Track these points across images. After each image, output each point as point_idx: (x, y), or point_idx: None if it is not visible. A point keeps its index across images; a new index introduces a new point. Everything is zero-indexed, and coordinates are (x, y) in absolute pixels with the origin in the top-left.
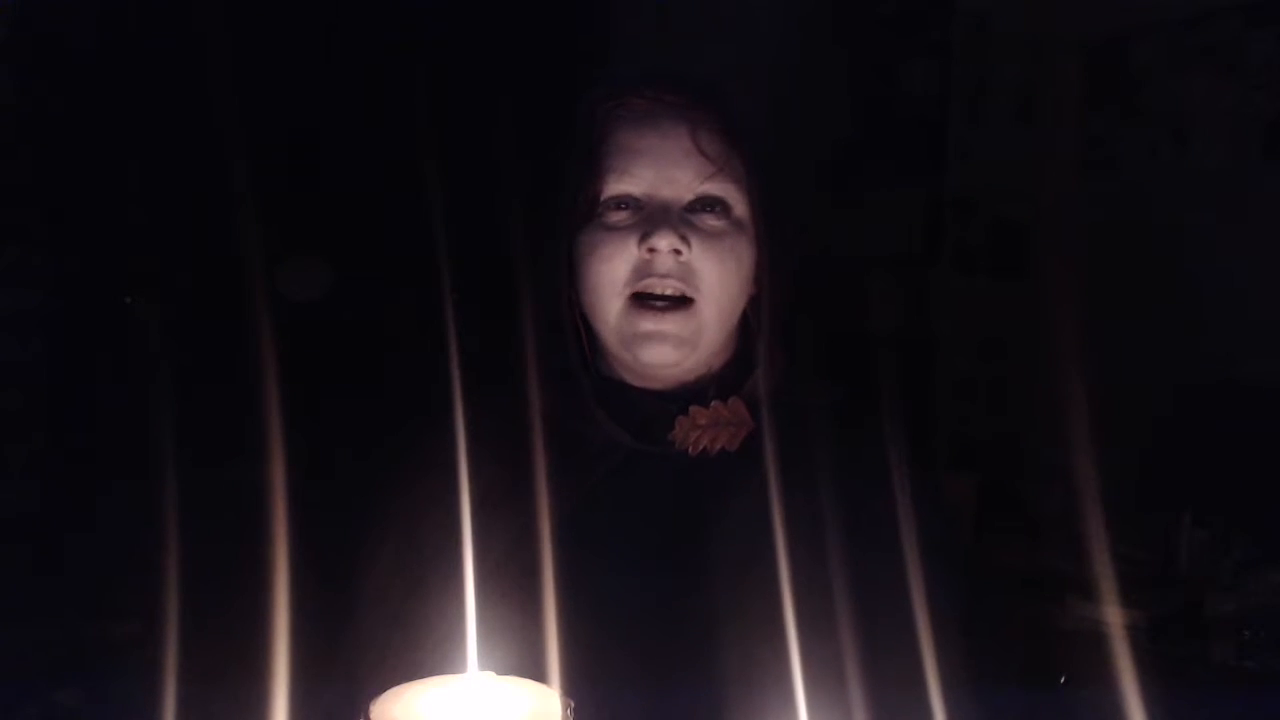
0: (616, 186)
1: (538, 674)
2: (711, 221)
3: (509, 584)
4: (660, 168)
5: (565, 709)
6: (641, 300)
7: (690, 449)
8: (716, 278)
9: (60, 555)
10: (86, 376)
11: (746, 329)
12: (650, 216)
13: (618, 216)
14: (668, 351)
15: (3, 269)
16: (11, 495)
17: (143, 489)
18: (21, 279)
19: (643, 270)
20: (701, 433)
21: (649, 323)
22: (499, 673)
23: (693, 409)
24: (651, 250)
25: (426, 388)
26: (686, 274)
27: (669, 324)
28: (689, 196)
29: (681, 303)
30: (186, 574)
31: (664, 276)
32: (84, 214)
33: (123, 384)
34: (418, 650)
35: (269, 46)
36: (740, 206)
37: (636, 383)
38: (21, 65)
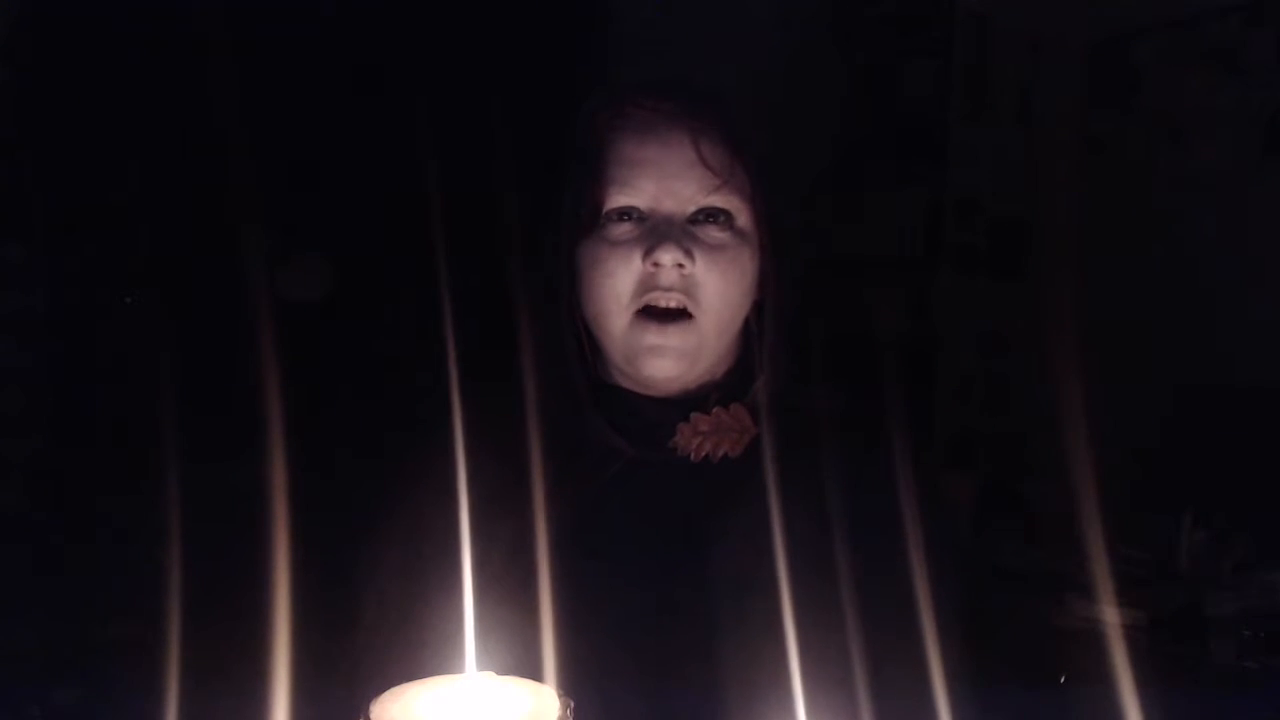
0: (619, 199)
1: (538, 677)
2: (715, 233)
3: (511, 589)
4: (662, 180)
5: (564, 709)
6: (646, 313)
7: (693, 455)
8: (719, 290)
9: (60, 555)
10: (87, 377)
11: (750, 335)
12: (654, 229)
13: (621, 229)
14: (668, 365)
15: (3, 269)
16: (11, 495)
17: (143, 489)
18: (21, 279)
19: (647, 284)
20: (704, 439)
21: (652, 336)
22: (499, 673)
23: (695, 415)
24: (655, 264)
25: (428, 392)
26: (690, 287)
27: (671, 337)
28: (692, 208)
29: (682, 315)
30: (187, 574)
31: (667, 290)
32: (84, 214)
33: (123, 384)
34: (420, 652)
35: (270, 47)
36: (743, 216)
37: (638, 390)
38: (21, 65)
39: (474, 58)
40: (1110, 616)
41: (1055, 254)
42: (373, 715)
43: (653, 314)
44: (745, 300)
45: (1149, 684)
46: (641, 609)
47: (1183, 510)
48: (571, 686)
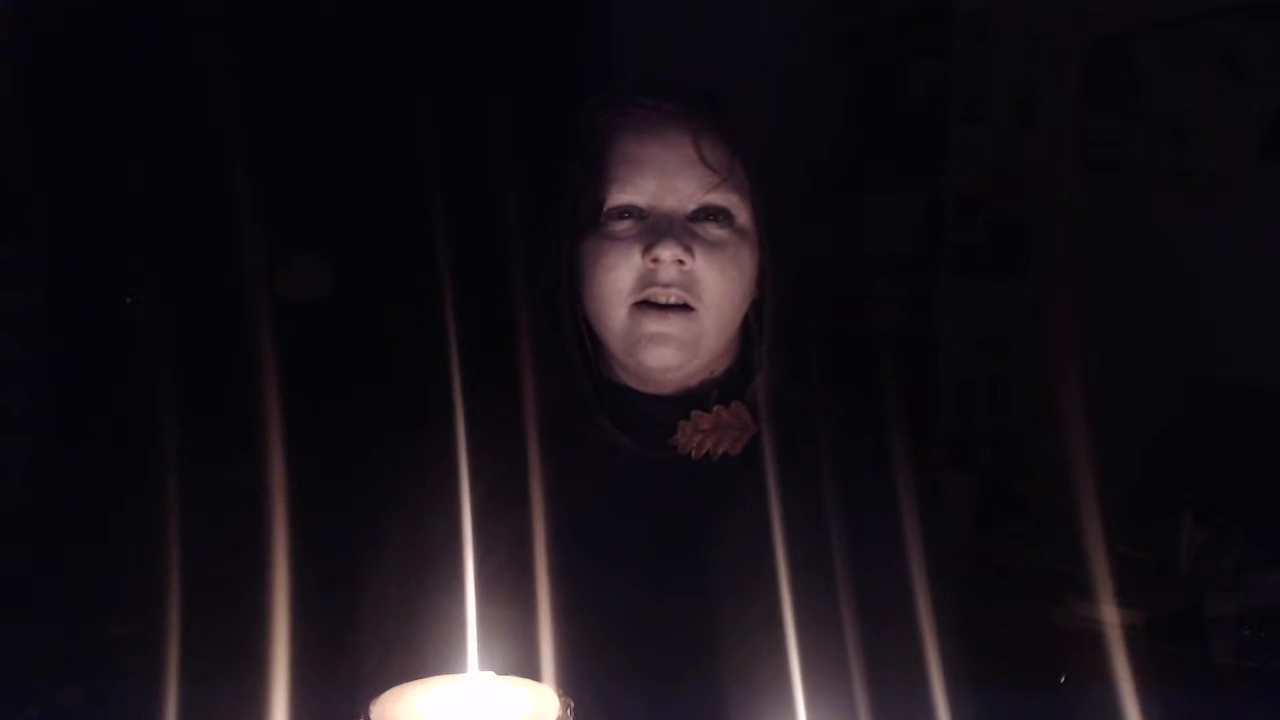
0: (620, 197)
1: (538, 676)
2: (714, 230)
3: (512, 587)
4: (663, 178)
5: (565, 709)
6: (645, 305)
7: (693, 453)
8: (719, 286)
9: (60, 555)
10: (86, 376)
11: (749, 333)
12: (654, 226)
13: (621, 226)
14: (670, 354)
15: (3, 269)
16: (11, 495)
17: (143, 489)
18: (22, 279)
19: (646, 279)
20: (704, 437)
21: (653, 324)
22: (500, 673)
23: (695, 413)
24: (655, 260)
25: (429, 392)
26: (690, 283)
27: (672, 325)
28: (692, 206)
29: (683, 308)
30: (187, 574)
31: (667, 286)
32: (83, 214)
33: (123, 384)
34: (421, 651)
35: (270, 48)
36: (743, 214)
37: (639, 387)
38: (21, 65)
39: (477, 58)
40: (1110, 616)
41: (1055, 254)
42: (373, 715)
43: (653, 306)
44: (745, 297)
45: (1149, 684)
46: (641, 607)
47: (1183, 510)
48: (571, 686)
